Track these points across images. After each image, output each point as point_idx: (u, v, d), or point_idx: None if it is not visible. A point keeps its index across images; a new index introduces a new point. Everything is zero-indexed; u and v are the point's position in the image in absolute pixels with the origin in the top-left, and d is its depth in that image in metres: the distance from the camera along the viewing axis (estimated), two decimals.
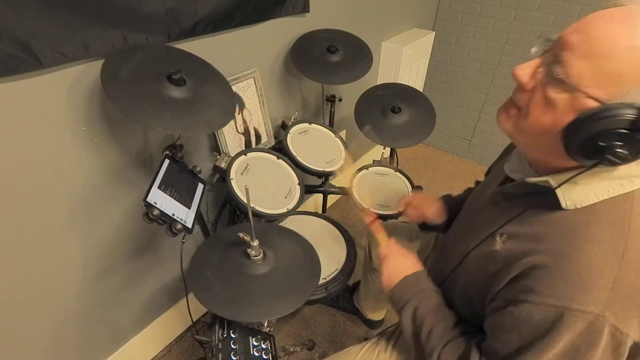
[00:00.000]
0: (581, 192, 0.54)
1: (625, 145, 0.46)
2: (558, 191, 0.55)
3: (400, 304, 0.75)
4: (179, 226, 0.81)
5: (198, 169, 1.01)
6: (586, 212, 0.54)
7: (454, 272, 0.74)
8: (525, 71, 0.54)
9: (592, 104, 0.47)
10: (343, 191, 1.28)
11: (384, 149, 1.56)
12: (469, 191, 1.03)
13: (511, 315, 0.56)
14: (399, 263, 0.80)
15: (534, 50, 0.56)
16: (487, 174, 0.92)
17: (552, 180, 0.55)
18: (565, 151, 0.51)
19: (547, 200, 0.56)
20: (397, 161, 1.60)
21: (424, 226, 1.02)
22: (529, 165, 0.64)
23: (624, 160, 0.47)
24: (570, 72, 0.48)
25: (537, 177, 0.58)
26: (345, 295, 1.55)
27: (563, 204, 0.55)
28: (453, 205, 0.97)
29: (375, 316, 1.46)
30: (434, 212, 0.97)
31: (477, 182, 1.03)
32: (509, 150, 0.82)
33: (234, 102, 0.91)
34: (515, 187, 0.66)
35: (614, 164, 0.48)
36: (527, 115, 0.55)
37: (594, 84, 0.47)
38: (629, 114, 0.45)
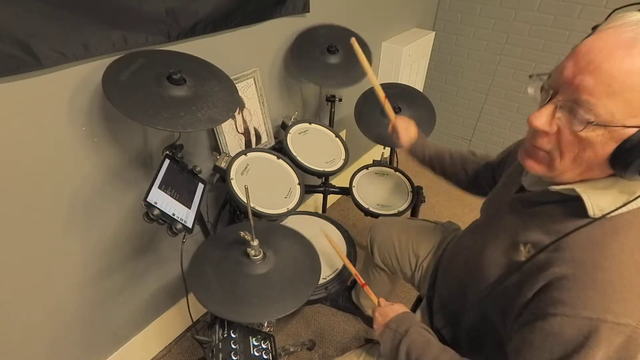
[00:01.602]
0: (609, 200, 0.53)
1: None
2: (585, 199, 0.53)
3: (393, 349, 0.76)
4: (179, 226, 0.81)
5: (198, 169, 1.01)
6: (615, 220, 0.52)
7: (470, 282, 0.72)
8: (542, 120, 0.53)
9: (632, 131, 0.47)
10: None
11: (384, 149, 1.57)
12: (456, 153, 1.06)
13: (541, 330, 0.53)
14: (386, 311, 0.83)
15: (530, 90, 0.56)
16: (499, 162, 0.91)
17: (579, 189, 0.54)
18: (621, 176, 0.51)
19: (572, 207, 0.55)
20: (397, 161, 1.61)
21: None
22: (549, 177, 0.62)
23: None
24: (599, 113, 0.47)
25: (561, 186, 0.57)
26: (344, 294, 1.55)
27: (591, 213, 0.53)
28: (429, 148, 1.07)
29: None
30: (408, 134, 1.08)
31: (471, 153, 1.04)
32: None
33: (236, 97, 0.91)
34: (535, 195, 0.64)
35: None
36: (562, 155, 0.54)
37: (628, 116, 0.46)
38: None
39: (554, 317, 0.51)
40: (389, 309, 0.83)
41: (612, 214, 0.52)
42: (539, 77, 0.55)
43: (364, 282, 0.99)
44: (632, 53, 0.44)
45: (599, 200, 0.53)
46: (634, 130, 0.47)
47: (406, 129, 1.09)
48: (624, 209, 0.52)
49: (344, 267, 1.05)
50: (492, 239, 0.70)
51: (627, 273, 0.49)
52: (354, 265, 1.04)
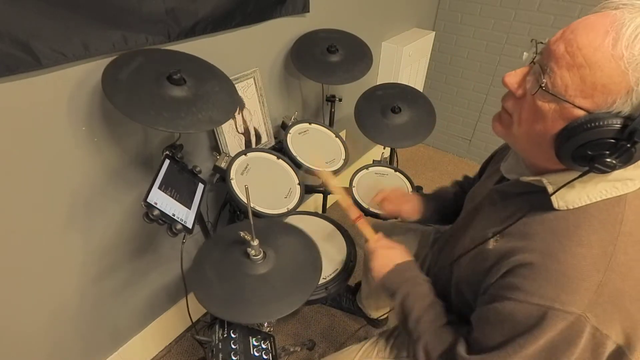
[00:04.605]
0: (574, 193, 0.54)
1: (614, 155, 0.47)
2: (550, 191, 0.55)
3: (392, 291, 0.78)
4: (179, 226, 0.80)
5: (198, 169, 1.01)
6: (578, 213, 0.54)
7: (451, 267, 0.76)
8: (515, 79, 0.56)
9: (579, 113, 0.48)
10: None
11: (384, 149, 1.56)
12: (455, 186, 1.05)
13: (495, 310, 0.57)
14: (388, 254, 0.82)
15: (525, 55, 0.57)
16: (480, 173, 0.93)
17: (546, 180, 0.56)
18: (557, 158, 0.52)
19: (540, 199, 0.57)
20: (397, 161, 1.61)
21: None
22: (525, 166, 0.64)
23: (613, 168, 0.48)
24: (555, 83, 0.49)
25: (531, 177, 0.59)
26: (347, 297, 1.55)
27: (555, 205, 0.55)
28: (431, 201, 1.02)
29: (379, 314, 1.45)
30: (409, 209, 1.00)
31: (466, 177, 1.05)
32: (503, 150, 0.84)
33: (235, 98, 0.91)
34: (511, 186, 0.66)
35: (603, 172, 0.49)
36: (519, 122, 0.56)
37: (579, 94, 0.47)
38: (616, 124, 0.45)
39: (508, 301, 0.55)
40: (393, 252, 0.82)
41: (577, 205, 0.54)
42: (536, 42, 0.55)
43: (359, 214, 0.92)
44: (608, 34, 0.45)
45: (565, 193, 0.54)
46: (582, 113, 0.48)
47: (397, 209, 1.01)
48: (587, 201, 0.53)
49: (344, 266, 1.05)
50: (469, 231, 0.73)
51: (582, 266, 0.51)
52: (354, 265, 1.04)
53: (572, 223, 0.54)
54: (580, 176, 0.51)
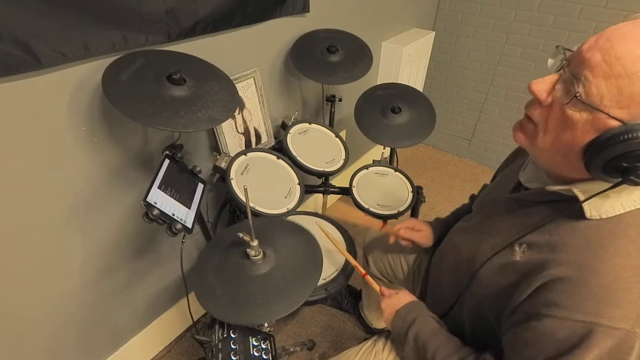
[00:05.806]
0: (607, 202, 0.52)
1: None
2: (582, 200, 0.53)
3: (402, 335, 0.77)
4: (178, 226, 0.81)
5: (198, 169, 1.01)
6: (612, 222, 0.52)
7: (464, 284, 0.72)
8: (543, 87, 0.53)
9: (614, 123, 0.47)
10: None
11: (384, 149, 1.57)
12: (458, 211, 1.03)
13: (534, 330, 0.54)
14: (393, 302, 0.84)
15: (550, 62, 0.55)
16: (493, 179, 0.91)
17: (577, 190, 0.53)
18: (586, 169, 0.50)
19: (568, 208, 0.55)
20: (397, 161, 1.61)
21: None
22: (547, 175, 0.62)
23: None
24: (590, 92, 0.47)
25: (558, 186, 0.56)
26: (350, 300, 1.55)
27: (588, 214, 0.53)
28: (444, 228, 0.99)
29: (381, 325, 1.44)
30: (423, 236, 0.99)
31: (479, 192, 1.02)
32: (516, 156, 0.81)
33: (235, 97, 0.91)
34: (532, 195, 0.63)
35: (637, 184, 0.47)
36: (545, 131, 0.54)
37: (615, 104, 0.46)
38: None
39: (546, 318, 0.52)
40: (395, 299, 0.84)
41: (610, 215, 0.52)
42: (563, 49, 0.53)
43: (364, 271, 0.98)
44: None
45: (596, 202, 0.52)
46: (617, 124, 0.46)
47: (415, 235, 1.00)
48: (622, 210, 0.52)
49: (344, 267, 1.05)
50: (486, 240, 0.69)
51: (623, 277, 0.49)
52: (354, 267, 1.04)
53: (606, 233, 0.52)
54: (612, 187, 0.50)
